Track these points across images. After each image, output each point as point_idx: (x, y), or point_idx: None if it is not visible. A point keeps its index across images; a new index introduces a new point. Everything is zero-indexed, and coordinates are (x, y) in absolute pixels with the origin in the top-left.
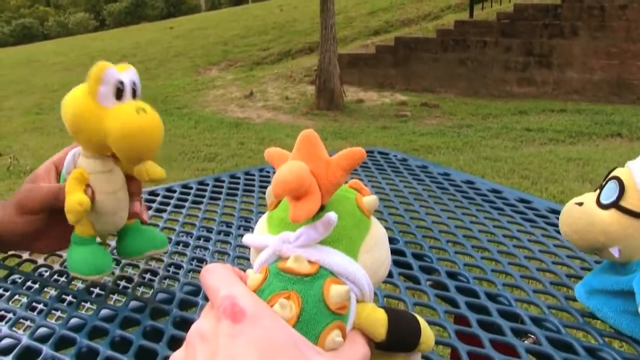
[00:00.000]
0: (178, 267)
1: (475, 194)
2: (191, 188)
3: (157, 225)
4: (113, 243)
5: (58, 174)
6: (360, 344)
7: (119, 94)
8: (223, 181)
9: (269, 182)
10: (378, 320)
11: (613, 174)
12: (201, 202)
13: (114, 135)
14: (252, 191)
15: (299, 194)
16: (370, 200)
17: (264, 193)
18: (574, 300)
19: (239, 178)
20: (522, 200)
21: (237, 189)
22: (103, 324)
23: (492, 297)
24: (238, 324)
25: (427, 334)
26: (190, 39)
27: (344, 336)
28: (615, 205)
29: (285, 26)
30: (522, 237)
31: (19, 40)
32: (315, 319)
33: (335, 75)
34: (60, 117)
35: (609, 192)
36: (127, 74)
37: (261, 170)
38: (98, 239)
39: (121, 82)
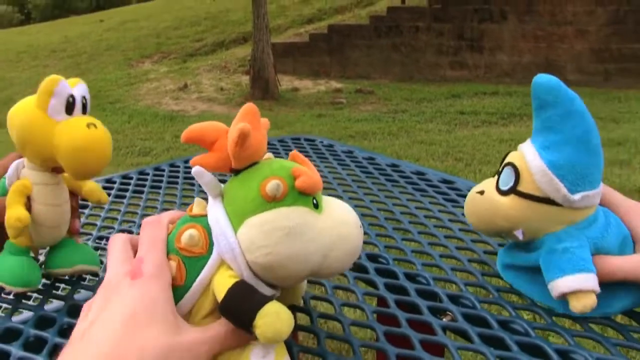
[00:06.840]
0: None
1: (399, 176)
2: (131, 178)
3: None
4: (42, 258)
5: None
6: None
7: (70, 108)
8: (163, 170)
9: None
10: (223, 285)
11: (507, 159)
12: (142, 192)
13: (64, 149)
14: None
15: (204, 144)
16: (269, 185)
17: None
18: (490, 276)
19: (178, 167)
20: (445, 181)
21: (178, 177)
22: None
23: (411, 277)
24: (134, 280)
25: (269, 321)
26: (122, 31)
27: (178, 269)
28: (514, 191)
29: (219, 16)
30: (443, 217)
31: None
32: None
33: (269, 64)
34: None
35: (506, 179)
36: (78, 88)
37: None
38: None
39: (72, 96)
